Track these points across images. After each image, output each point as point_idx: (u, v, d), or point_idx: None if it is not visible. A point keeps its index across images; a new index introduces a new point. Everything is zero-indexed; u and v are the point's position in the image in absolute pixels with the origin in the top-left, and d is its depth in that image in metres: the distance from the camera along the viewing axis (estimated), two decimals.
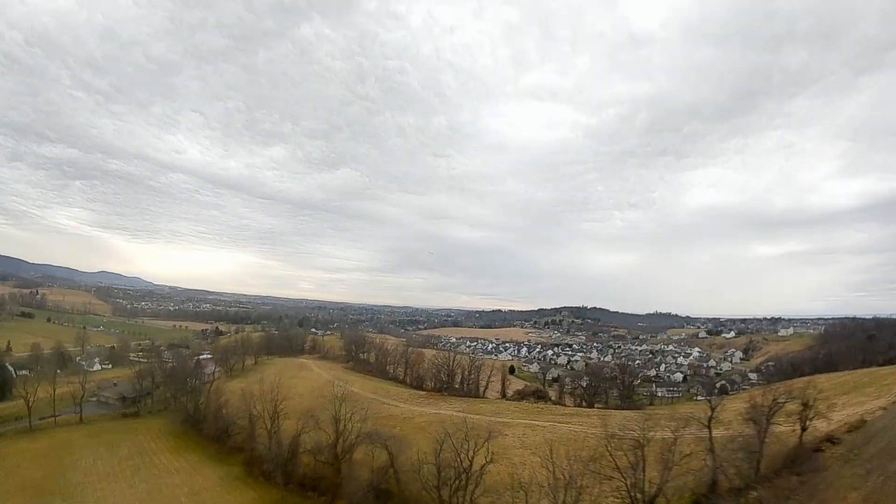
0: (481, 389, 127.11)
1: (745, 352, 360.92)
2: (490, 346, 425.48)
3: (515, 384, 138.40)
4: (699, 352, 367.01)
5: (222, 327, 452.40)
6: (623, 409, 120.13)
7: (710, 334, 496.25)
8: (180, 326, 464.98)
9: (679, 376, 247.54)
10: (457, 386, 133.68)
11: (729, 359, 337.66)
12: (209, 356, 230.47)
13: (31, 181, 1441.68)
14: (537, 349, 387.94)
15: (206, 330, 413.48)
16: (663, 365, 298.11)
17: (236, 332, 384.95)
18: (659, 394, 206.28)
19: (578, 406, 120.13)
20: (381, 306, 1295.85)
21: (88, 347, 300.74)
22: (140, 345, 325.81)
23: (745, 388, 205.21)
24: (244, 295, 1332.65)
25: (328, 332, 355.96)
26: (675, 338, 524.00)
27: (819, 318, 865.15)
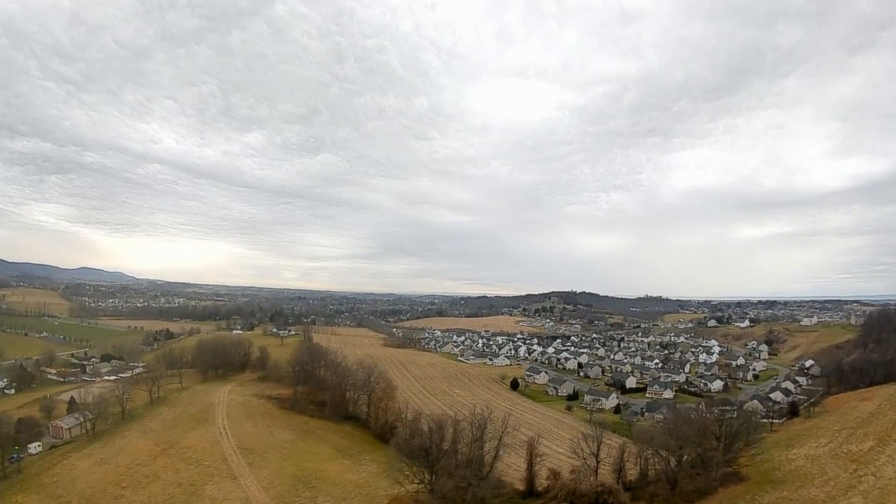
0: (487, 459, 76.10)
1: (769, 344, 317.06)
2: (480, 342, 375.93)
3: (548, 455, 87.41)
4: (719, 346, 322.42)
5: (179, 327, 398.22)
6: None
7: (720, 322, 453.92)
8: (137, 328, 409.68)
9: (718, 384, 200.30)
10: (446, 447, 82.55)
11: (755, 354, 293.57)
12: (112, 379, 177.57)
13: (7, 178, 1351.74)
14: (535, 345, 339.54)
15: (160, 332, 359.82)
16: (688, 365, 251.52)
17: (189, 335, 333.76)
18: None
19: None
20: (364, 294, 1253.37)
21: (4, 363, 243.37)
22: (73, 356, 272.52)
23: (818, 408, 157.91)
24: (226, 286, 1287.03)
25: (291, 333, 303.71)
26: (680, 325, 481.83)
27: (812, 300, 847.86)
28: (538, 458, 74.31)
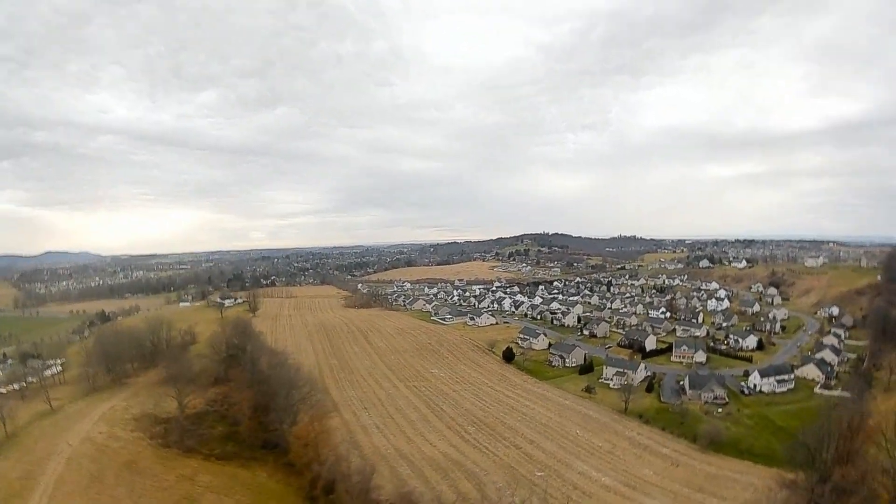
0: None
1: (776, 287, 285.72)
2: (455, 294, 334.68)
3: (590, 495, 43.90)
4: (725, 290, 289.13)
5: (119, 305, 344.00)
6: None
7: (713, 262, 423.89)
8: (80, 311, 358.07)
9: (752, 340, 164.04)
10: None
11: (766, 299, 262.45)
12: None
13: None
14: (519, 296, 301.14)
15: (98, 314, 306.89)
16: (700, 314, 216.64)
17: (128, 315, 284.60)
18: (764, 387, 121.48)
19: None
20: (331, 248, 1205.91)
21: None
22: None
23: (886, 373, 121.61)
24: (192, 253, 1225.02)
25: (237, 302, 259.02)
26: (669, 266, 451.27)
27: (788, 240, 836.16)
28: None
